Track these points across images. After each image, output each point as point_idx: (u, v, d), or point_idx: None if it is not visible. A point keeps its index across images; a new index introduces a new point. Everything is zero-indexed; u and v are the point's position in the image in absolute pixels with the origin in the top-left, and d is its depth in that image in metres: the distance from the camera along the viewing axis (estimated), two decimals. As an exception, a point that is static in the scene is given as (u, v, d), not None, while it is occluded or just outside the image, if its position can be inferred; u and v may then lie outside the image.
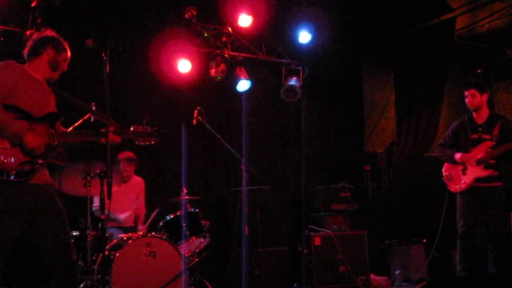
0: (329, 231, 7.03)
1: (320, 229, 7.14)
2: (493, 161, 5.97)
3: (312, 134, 8.70)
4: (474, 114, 6.21)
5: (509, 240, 6.07)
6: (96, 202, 5.92)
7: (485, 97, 6.17)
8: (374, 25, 8.55)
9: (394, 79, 9.24)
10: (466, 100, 6.18)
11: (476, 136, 6.11)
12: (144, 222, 6.36)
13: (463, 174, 6.12)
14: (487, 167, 5.97)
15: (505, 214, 6.15)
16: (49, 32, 4.24)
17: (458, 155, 6.13)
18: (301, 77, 8.10)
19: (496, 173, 6.00)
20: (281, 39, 8.20)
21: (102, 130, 4.28)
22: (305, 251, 6.96)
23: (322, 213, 7.61)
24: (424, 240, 7.49)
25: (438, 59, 8.57)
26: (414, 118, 8.71)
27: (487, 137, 6.05)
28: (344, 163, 8.90)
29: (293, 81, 8.02)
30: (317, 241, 6.91)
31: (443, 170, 6.34)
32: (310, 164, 8.49)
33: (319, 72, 8.68)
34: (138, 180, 6.58)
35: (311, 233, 6.99)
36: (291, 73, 8.08)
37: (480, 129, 6.12)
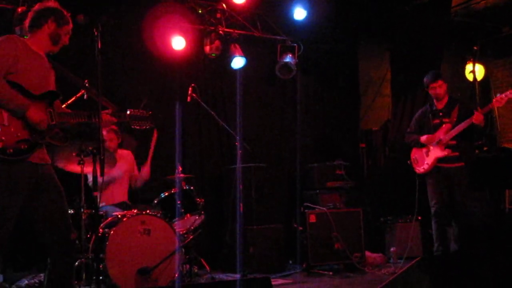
0: (324, 208, 7.03)
1: (315, 206, 7.13)
2: (453, 142, 6.30)
3: (307, 112, 8.67)
4: (435, 101, 6.55)
5: (473, 221, 6.27)
6: (90, 178, 5.88)
7: (446, 85, 6.54)
8: (370, 1, 8.48)
9: (390, 56, 9.21)
10: (435, 91, 6.48)
11: (437, 121, 6.48)
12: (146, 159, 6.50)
13: (426, 156, 6.48)
14: (446, 147, 6.29)
15: (472, 194, 6.32)
16: (52, 3, 4.13)
17: (423, 137, 6.49)
18: (296, 54, 8.08)
19: (457, 154, 6.31)
20: (276, 15, 8.15)
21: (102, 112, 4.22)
22: (300, 228, 6.96)
23: (317, 191, 7.62)
24: (419, 218, 7.51)
25: (434, 36, 8.52)
26: (410, 95, 8.70)
27: (447, 120, 6.38)
28: (339, 141, 8.90)
29: (288, 58, 7.99)
30: (312, 219, 6.92)
31: (411, 154, 6.70)
32: (306, 141, 8.49)
33: (315, 49, 8.62)
34: (125, 154, 6.54)
35: (306, 211, 6.99)
36: (286, 50, 8.06)
37: (441, 114, 6.47)
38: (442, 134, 6.33)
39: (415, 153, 6.65)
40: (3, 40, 3.89)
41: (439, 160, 6.35)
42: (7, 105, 3.71)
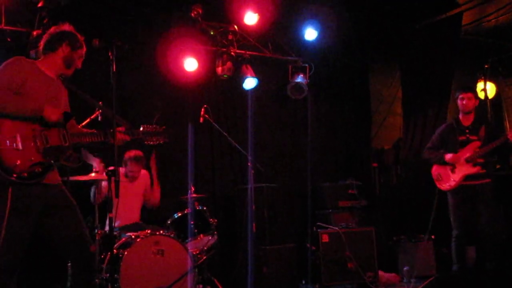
0: (336, 228, 7.04)
1: (328, 226, 7.14)
2: (481, 160, 6.30)
3: (319, 131, 8.69)
4: (461, 116, 6.59)
5: (500, 237, 6.32)
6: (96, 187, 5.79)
7: (477, 102, 6.60)
8: (381, 21, 8.54)
9: (401, 75, 9.22)
10: (462, 102, 6.52)
11: (464, 137, 6.48)
12: (151, 185, 6.51)
13: (452, 172, 6.44)
14: (475, 164, 6.29)
15: (496, 210, 6.42)
16: (67, 27, 4.19)
17: (448, 156, 6.45)
18: (307, 74, 8.11)
19: (484, 171, 6.32)
20: (287, 36, 8.21)
21: (111, 130, 4.24)
22: (313, 248, 6.96)
23: (330, 210, 7.61)
24: (433, 237, 7.48)
25: (445, 54, 8.54)
26: (421, 114, 8.70)
27: (474, 138, 6.41)
28: (351, 160, 8.90)
29: (299, 78, 8.03)
30: (325, 238, 6.92)
31: (432, 170, 6.66)
32: (317, 161, 8.50)
33: (326, 69, 8.68)
34: (143, 174, 6.57)
35: (318, 230, 7.00)
36: (298, 70, 8.10)
37: (467, 131, 6.47)
38: (471, 150, 6.31)
39: (438, 170, 6.58)
40: (11, 61, 3.95)
41: (466, 177, 6.32)
42: (24, 112, 3.77)
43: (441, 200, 6.61)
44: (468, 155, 6.32)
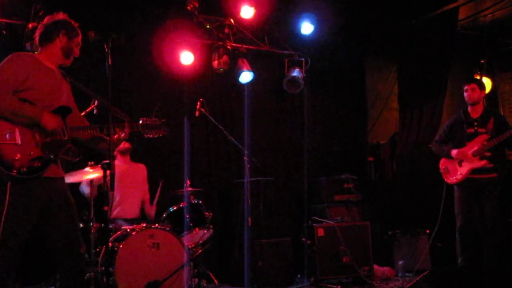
0: (332, 222, 7.04)
1: (323, 220, 7.14)
2: (488, 153, 6.26)
3: (315, 126, 8.70)
4: (469, 108, 6.51)
5: (503, 231, 6.36)
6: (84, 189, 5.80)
7: (483, 93, 6.55)
8: (377, 15, 8.52)
9: (398, 70, 9.23)
10: (466, 93, 6.48)
11: (472, 130, 6.41)
12: (151, 202, 6.40)
13: (459, 166, 6.39)
14: (482, 158, 6.24)
15: (499, 205, 6.36)
16: (61, 16, 4.15)
17: (454, 152, 6.41)
18: (303, 69, 8.11)
19: (491, 165, 6.27)
20: (284, 30, 8.20)
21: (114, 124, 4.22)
22: (309, 242, 6.97)
23: (325, 204, 7.62)
24: (428, 231, 7.49)
25: (441, 49, 8.54)
26: (418, 109, 8.71)
27: (483, 130, 6.34)
28: (347, 154, 8.91)
29: (295, 73, 8.03)
30: (320, 232, 6.93)
31: (440, 164, 6.61)
32: (313, 155, 8.51)
33: (322, 63, 8.67)
34: (139, 167, 6.54)
35: (314, 224, 7.00)
36: (294, 64, 8.10)
37: (475, 123, 6.41)
38: (478, 143, 6.25)
39: (445, 163, 6.53)
40: (12, 57, 3.91)
41: (473, 171, 6.28)
42: (22, 116, 3.75)
43: (438, 194, 6.60)
44: (475, 148, 6.25)
